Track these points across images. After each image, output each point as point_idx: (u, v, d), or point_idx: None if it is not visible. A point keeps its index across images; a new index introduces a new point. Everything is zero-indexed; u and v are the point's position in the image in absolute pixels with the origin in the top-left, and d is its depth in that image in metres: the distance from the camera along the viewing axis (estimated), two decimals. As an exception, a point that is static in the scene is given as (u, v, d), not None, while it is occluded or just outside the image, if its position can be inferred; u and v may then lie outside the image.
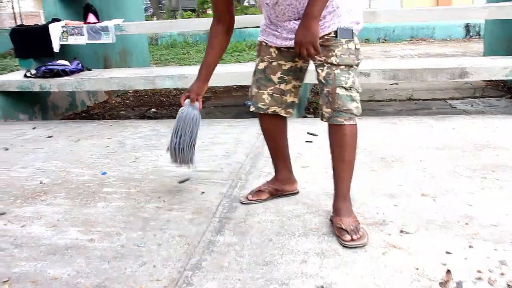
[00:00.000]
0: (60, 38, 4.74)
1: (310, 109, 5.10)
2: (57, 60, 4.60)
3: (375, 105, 5.22)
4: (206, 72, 2.19)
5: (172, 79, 4.10)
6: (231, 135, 3.59)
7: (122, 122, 4.23)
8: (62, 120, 4.76)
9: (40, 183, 2.76)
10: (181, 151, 2.27)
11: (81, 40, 4.69)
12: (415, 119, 3.81)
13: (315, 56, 1.88)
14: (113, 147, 3.45)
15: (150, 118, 5.02)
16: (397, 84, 6.06)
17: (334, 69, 1.91)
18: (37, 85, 4.34)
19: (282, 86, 2.12)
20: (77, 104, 5.62)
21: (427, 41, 13.25)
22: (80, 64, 4.61)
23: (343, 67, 1.91)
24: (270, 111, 2.15)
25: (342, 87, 1.90)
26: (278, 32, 2.03)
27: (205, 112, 5.19)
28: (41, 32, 4.77)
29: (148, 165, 2.97)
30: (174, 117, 2.31)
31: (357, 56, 1.95)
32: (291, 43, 1.96)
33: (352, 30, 1.91)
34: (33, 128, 4.17)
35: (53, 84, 4.30)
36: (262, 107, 2.15)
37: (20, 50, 4.94)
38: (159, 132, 3.78)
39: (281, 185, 2.35)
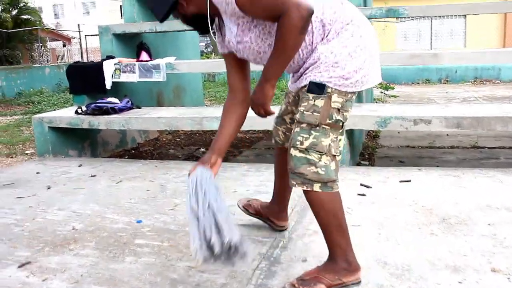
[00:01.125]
0: (112, 75, 4.75)
1: (365, 155, 4.81)
2: (108, 98, 4.59)
3: (436, 153, 4.85)
4: (219, 145, 2.00)
5: (219, 121, 3.95)
6: (278, 182, 3.37)
7: (167, 163, 4.11)
8: (110, 158, 4.71)
9: (73, 229, 2.63)
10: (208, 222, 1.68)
11: (133, 77, 4.68)
12: (482, 172, 3.44)
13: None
14: (153, 191, 3.30)
15: (198, 158, 4.89)
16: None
17: (295, 126, 1.83)
18: (86, 122, 4.32)
19: (292, 127, 1.97)
20: (127, 141, 5.61)
21: (493, 82, 12.64)
22: (130, 102, 4.58)
23: (304, 125, 1.79)
24: (283, 146, 2.17)
25: (296, 147, 1.79)
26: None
27: (255, 154, 5.01)
28: (95, 69, 4.81)
29: (186, 215, 2.79)
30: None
31: (328, 115, 1.76)
32: (293, 87, 2.03)
33: (325, 85, 1.75)
34: (79, 166, 4.13)
35: (101, 122, 4.27)
36: (278, 141, 2.25)
37: (74, 86, 5.00)
38: (202, 176, 3.61)
39: (268, 213, 2.41)
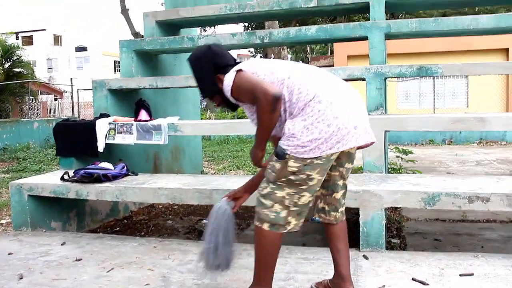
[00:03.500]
0: (106, 136, 4.15)
1: (393, 230, 4.16)
2: (99, 163, 3.97)
3: (472, 228, 4.23)
4: (250, 183, 2.50)
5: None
6: (309, 275, 2.71)
7: (168, 243, 3.42)
8: (98, 234, 4.00)
9: None
10: (215, 250, 2.32)
11: (130, 139, 4.08)
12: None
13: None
14: (154, 286, 2.62)
15: (200, 232, 4.22)
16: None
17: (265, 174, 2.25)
18: (73, 191, 3.68)
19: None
20: (119, 209, 4.93)
21: (499, 144, 12.21)
22: (125, 168, 3.95)
23: (265, 178, 2.24)
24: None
25: (259, 191, 2.24)
26: None
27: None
28: (86, 129, 4.21)
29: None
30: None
31: (283, 175, 2.14)
32: None
33: (284, 151, 2.11)
34: (61, 244, 3.45)
35: (91, 192, 3.62)
36: (322, 215, 2.43)
37: (61, 147, 4.39)
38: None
39: (333, 286, 2.42)
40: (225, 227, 2.33)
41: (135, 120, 4.18)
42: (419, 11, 12.44)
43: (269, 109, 2.07)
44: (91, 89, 4.89)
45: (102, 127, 4.16)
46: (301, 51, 34.23)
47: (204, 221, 4.63)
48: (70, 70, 38.20)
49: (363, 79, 4.26)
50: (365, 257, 3.01)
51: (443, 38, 8.27)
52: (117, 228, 4.54)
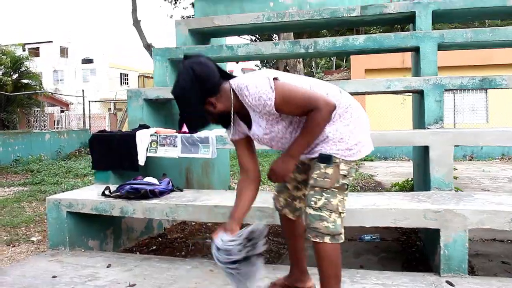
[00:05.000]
0: (147, 149, 3.90)
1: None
2: (141, 177, 3.70)
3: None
4: (238, 215, 2.28)
5: (236, 194, 3.01)
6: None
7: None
8: (143, 255, 3.70)
9: None
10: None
11: (173, 152, 3.82)
12: None
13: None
14: (226, 317, 2.34)
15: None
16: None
17: (309, 189, 2.19)
18: (118, 208, 3.40)
19: (294, 193, 2.49)
20: (153, 226, 4.66)
21: (523, 159, 11.94)
22: (170, 183, 3.68)
23: (317, 188, 2.15)
24: (282, 212, 2.53)
25: (311, 206, 2.15)
26: None
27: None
28: (126, 141, 3.95)
29: None
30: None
31: (336, 180, 2.13)
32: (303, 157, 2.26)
33: (331, 156, 2.12)
34: (107, 266, 3.17)
35: (137, 209, 3.35)
36: (279, 207, 2.55)
37: (98, 160, 4.11)
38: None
39: (292, 282, 2.55)
40: (231, 263, 2.14)
41: (178, 132, 3.92)
42: (465, 22, 12.10)
43: (328, 119, 2.09)
44: (100, 101, 4.71)
45: (143, 139, 3.90)
46: (306, 66, 34.11)
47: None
48: (76, 82, 38.03)
49: (421, 92, 4.01)
50: (450, 283, 2.73)
51: (471, 51, 8.07)
52: (154, 247, 4.26)
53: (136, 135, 3.93)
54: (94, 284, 2.82)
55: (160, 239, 4.55)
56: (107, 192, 3.56)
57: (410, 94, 13.13)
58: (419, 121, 4.47)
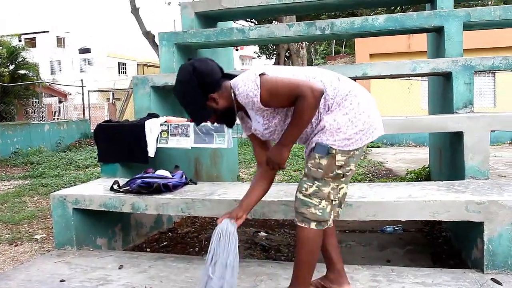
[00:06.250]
0: (157, 139, 3.64)
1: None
2: (152, 170, 3.45)
3: None
4: (248, 203, 2.33)
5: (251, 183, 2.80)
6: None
7: (246, 265, 2.88)
8: (158, 254, 3.42)
9: None
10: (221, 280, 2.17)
11: (186, 143, 3.56)
12: None
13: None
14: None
15: (263, 247, 3.71)
16: None
17: (303, 176, 2.26)
18: (128, 204, 3.15)
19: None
20: (163, 220, 4.42)
21: (533, 143, 11.70)
22: (184, 176, 3.43)
23: (310, 177, 2.20)
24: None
25: (301, 192, 2.21)
26: None
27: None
28: (134, 131, 3.70)
29: None
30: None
31: (330, 171, 2.16)
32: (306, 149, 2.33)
33: (328, 147, 2.12)
34: (119, 268, 2.93)
35: (150, 205, 3.10)
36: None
37: (104, 152, 3.86)
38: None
39: (328, 283, 2.43)
40: (233, 254, 2.19)
41: (190, 121, 3.66)
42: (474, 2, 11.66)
43: (315, 106, 2.05)
44: (100, 90, 4.43)
45: (152, 129, 3.65)
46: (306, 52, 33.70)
47: (262, 233, 4.14)
48: (74, 72, 37.54)
49: (449, 74, 3.75)
50: (496, 281, 2.50)
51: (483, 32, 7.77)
52: (164, 243, 4.03)
53: (145, 124, 3.67)
54: (107, 289, 2.58)
55: (170, 234, 4.31)
56: (115, 187, 3.31)
57: (418, 79, 12.89)
58: (443, 106, 4.22)
